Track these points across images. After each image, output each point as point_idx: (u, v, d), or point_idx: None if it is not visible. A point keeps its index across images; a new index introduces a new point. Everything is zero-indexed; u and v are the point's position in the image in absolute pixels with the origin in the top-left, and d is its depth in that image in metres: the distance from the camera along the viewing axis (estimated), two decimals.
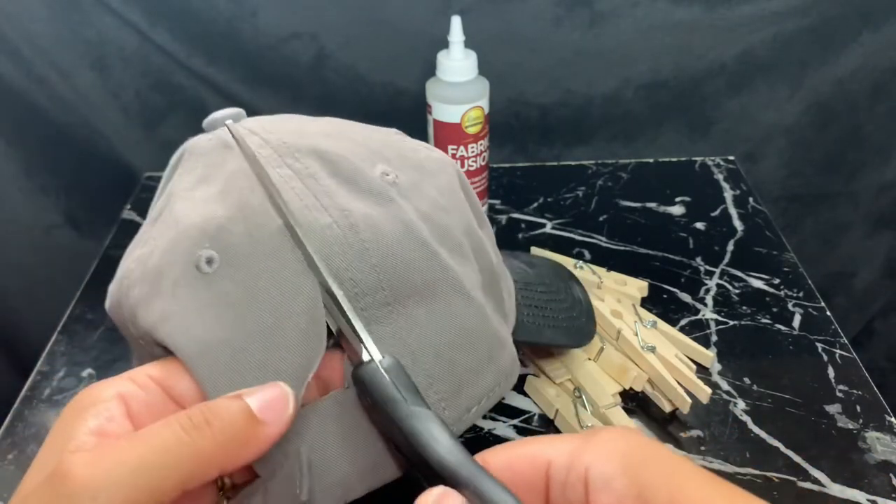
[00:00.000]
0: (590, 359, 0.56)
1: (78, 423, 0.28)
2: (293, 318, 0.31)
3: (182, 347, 0.31)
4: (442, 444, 0.27)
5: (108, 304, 0.37)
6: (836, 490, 0.49)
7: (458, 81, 0.66)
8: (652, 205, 0.77)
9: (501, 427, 0.53)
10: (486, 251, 0.40)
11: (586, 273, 0.64)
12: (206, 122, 0.40)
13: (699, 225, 0.74)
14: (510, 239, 0.72)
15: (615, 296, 0.62)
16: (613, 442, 0.27)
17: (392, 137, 0.41)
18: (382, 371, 0.30)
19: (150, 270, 0.33)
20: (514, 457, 0.29)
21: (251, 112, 0.41)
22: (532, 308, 0.48)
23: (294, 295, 0.32)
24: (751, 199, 0.77)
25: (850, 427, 0.53)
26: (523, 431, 0.53)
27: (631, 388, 0.54)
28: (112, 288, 0.37)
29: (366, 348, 0.31)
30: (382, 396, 0.29)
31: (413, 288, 0.34)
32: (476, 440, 0.53)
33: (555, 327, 0.49)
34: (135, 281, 0.34)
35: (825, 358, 0.59)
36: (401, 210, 0.35)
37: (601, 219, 0.75)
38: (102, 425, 0.28)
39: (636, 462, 0.26)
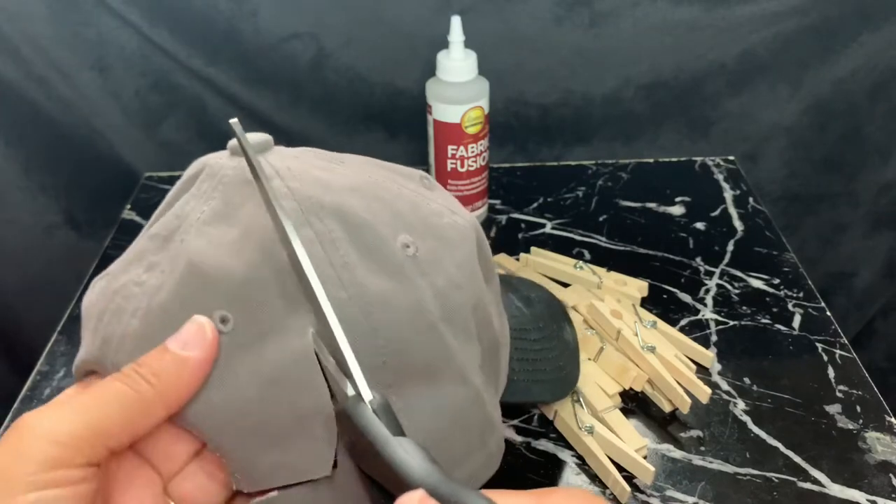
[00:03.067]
0: (590, 359, 0.56)
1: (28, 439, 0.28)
2: (299, 404, 0.32)
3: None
4: (421, 465, 0.27)
5: (87, 301, 0.36)
6: (836, 490, 0.49)
7: (458, 81, 0.66)
8: (652, 205, 0.77)
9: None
10: (491, 323, 0.40)
11: (586, 273, 0.64)
12: (231, 144, 0.37)
13: (699, 225, 0.74)
14: (510, 239, 0.72)
15: (615, 296, 0.62)
16: (568, 500, 0.27)
17: (420, 194, 0.39)
18: (369, 406, 0.30)
19: (155, 310, 0.33)
20: None
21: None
22: (522, 362, 0.49)
23: (303, 375, 0.32)
24: (751, 199, 0.77)
25: (850, 427, 0.53)
26: (523, 432, 0.53)
27: (631, 388, 0.54)
28: (98, 289, 0.35)
29: (352, 385, 0.31)
30: (366, 429, 0.29)
31: (414, 370, 0.34)
32: None
33: (542, 382, 0.50)
34: (135, 311, 0.33)
35: (825, 358, 0.59)
36: (415, 289, 0.34)
37: (601, 219, 0.75)
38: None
39: None
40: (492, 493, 0.28)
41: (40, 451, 0.27)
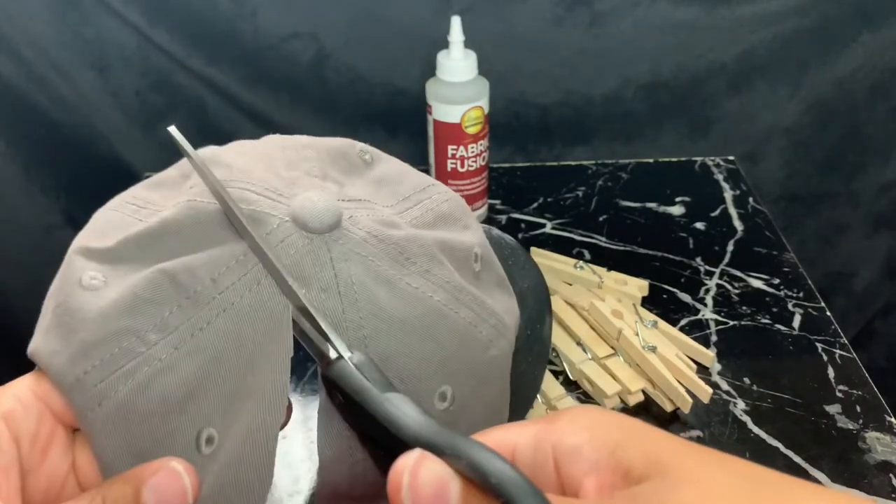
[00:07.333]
0: (591, 359, 0.56)
1: None
2: None
3: None
4: (415, 419, 0.27)
5: (75, 301, 0.34)
6: (836, 490, 0.49)
7: (458, 81, 0.66)
8: (652, 205, 0.77)
9: None
10: None
11: (587, 273, 0.64)
12: (309, 216, 0.34)
13: (699, 225, 0.74)
14: None
15: (616, 295, 0.62)
16: (578, 417, 0.26)
17: (472, 312, 0.36)
18: (353, 366, 0.30)
19: (153, 391, 0.30)
20: None
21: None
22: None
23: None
24: (751, 199, 0.77)
25: (850, 427, 0.53)
26: None
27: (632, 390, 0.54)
28: (99, 308, 0.33)
29: (333, 347, 0.31)
30: (353, 388, 0.29)
31: None
32: None
33: (521, 409, 0.47)
34: (126, 377, 0.30)
35: (825, 358, 0.59)
36: None
37: (601, 219, 0.75)
38: None
39: (603, 429, 0.26)
40: (506, 425, 0.27)
41: None
